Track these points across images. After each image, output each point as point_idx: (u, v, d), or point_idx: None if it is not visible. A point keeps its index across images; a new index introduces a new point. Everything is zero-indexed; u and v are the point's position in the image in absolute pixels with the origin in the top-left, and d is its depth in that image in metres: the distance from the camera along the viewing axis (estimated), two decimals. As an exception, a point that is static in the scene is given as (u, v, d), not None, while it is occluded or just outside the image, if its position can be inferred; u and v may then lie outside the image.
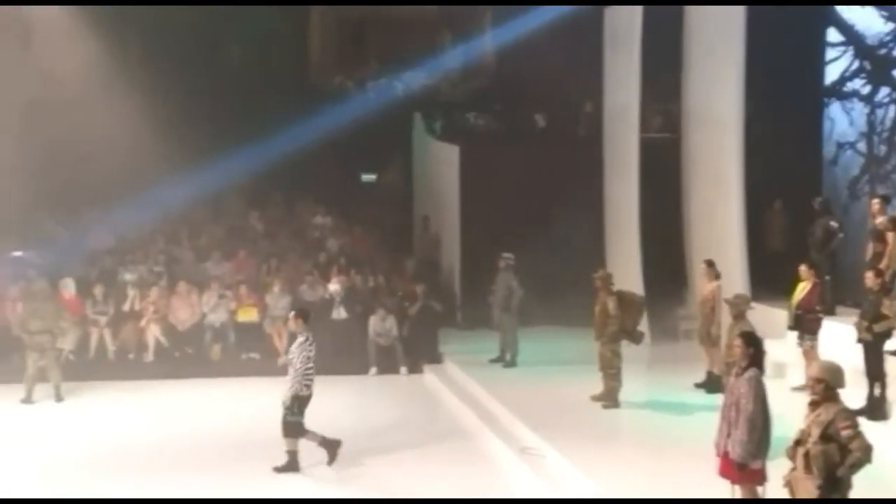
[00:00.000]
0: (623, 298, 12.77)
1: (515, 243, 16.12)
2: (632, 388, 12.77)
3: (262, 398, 14.31)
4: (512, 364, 15.42)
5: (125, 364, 15.79)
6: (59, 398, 13.96)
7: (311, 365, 10.42)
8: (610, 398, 12.54)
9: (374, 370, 16.08)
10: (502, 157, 18.95)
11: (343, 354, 16.30)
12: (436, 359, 16.40)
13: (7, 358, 15.03)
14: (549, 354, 15.81)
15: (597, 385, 12.69)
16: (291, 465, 10.52)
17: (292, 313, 11.20)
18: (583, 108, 19.89)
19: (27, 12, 18.89)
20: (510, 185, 18.55)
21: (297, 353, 10.46)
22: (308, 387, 10.46)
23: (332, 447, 10.76)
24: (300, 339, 10.57)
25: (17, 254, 17.40)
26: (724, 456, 7.61)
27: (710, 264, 13.72)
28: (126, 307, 16.11)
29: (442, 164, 19.99)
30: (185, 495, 9.68)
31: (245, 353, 16.36)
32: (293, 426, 10.49)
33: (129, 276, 16.88)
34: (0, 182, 18.66)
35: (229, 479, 10.34)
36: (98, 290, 16.06)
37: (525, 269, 15.80)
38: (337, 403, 14.06)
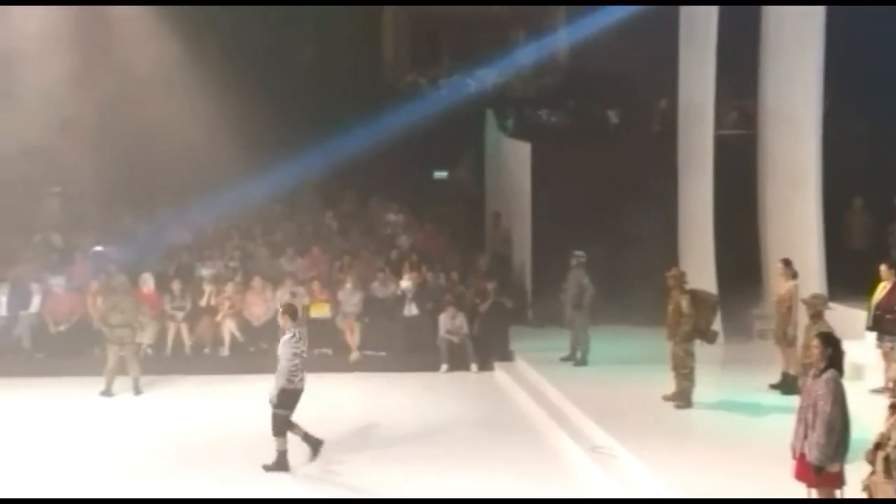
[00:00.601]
0: (696, 297, 12.62)
1: (587, 241, 16.03)
2: (705, 388, 12.63)
3: (333, 394, 14.52)
4: (583, 362, 15.34)
5: (201, 358, 16.05)
6: (137, 391, 14.27)
7: (296, 361, 10.50)
8: (682, 398, 12.42)
9: (444, 367, 16.13)
10: (574, 154, 18.86)
11: (414, 351, 16.43)
12: (507, 356, 16.38)
13: (88, 351, 15.40)
14: (621, 353, 15.71)
15: (669, 385, 12.57)
16: (280, 465, 10.49)
17: (280, 309, 11.35)
18: (657, 105, 19.70)
19: (107, 12, 19.32)
20: (582, 182, 18.44)
21: (283, 349, 10.55)
22: (293, 381, 10.51)
23: (314, 445, 10.75)
24: (287, 335, 10.64)
25: (98, 249, 17.80)
26: (801, 458, 7.49)
27: (787, 263, 13.49)
28: (202, 302, 16.37)
29: (513, 161, 19.96)
30: (258, 489, 9.82)
31: (317, 348, 16.51)
32: (280, 420, 10.54)
33: (205, 272, 17.14)
34: (81, 179, 19.20)
35: (302, 471, 10.44)
36: (175, 286, 16.35)
37: (597, 267, 15.70)
38: (408, 400, 14.19)
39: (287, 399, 10.53)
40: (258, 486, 10.04)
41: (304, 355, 10.70)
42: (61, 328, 15.84)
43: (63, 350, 15.74)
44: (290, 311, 10.90)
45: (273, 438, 10.54)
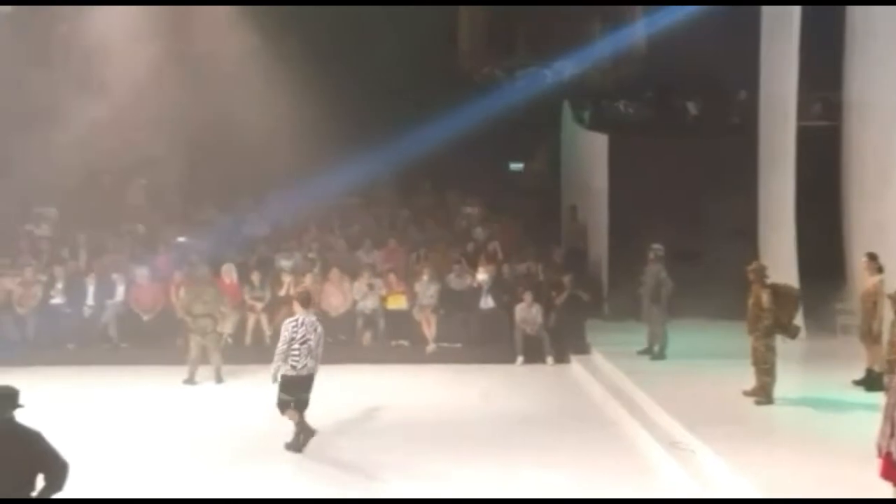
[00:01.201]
0: (778, 291, 12.41)
1: (665, 234, 15.88)
2: (786, 384, 12.43)
3: (410, 385, 14.64)
4: (660, 356, 15.21)
5: (280, 348, 16.25)
6: (219, 380, 14.54)
7: (295, 346, 10.67)
8: (763, 394, 12.24)
9: (520, 359, 16.14)
10: (652, 146, 18.70)
11: (490, 343, 16.48)
12: (583, 349, 16.33)
13: (171, 341, 15.74)
14: (699, 348, 15.54)
15: (749, 380, 12.39)
16: (295, 445, 10.86)
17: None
18: (737, 96, 19.41)
19: (189, 6, 19.65)
20: (660, 174, 18.28)
21: (282, 332, 10.83)
22: (295, 367, 10.70)
23: (307, 433, 10.91)
24: (288, 319, 10.97)
25: (182, 240, 18.16)
26: (887, 457, 7.34)
27: (873, 257, 13.20)
28: (282, 293, 16.60)
29: (590, 154, 19.84)
30: (328, 481, 9.93)
31: (394, 340, 16.67)
32: (280, 403, 10.87)
33: (284, 263, 17.38)
34: (164, 171, 19.62)
35: (377, 460, 10.55)
36: (255, 277, 16.61)
37: (674, 261, 15.55)
38: (482, 391, 14.22)
39: (288, 385, 10.78)
40: (334, 474, 10.14)
41: (310, 342, 10.73)
42: (146, 318, 16.21)
43: (147, 339, 16.12)
44: (301, 297, 11.23)
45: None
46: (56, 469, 6.55)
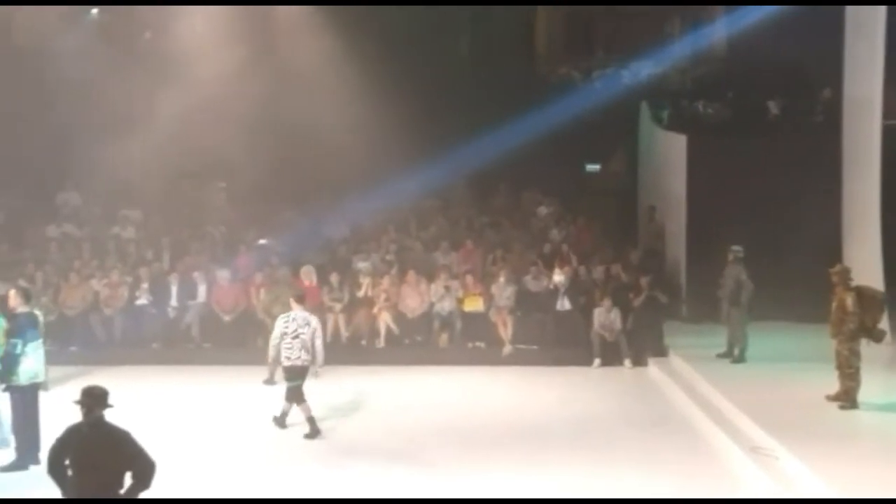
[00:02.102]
0: (862, 294, 12.17)
1: (744, 235, 15.67)
2: (871, 388, 12.16)
3: (486, 387, 14.66)
4: (741, 360, 14.99)
5: (358, 349, 16.43)
6: (298, 380, 14.71)
7: (288, 340, 11.85)
8: (847, 399, 12.00)
9: (597, 362, 16.06)
10: (732, 146, 18.43)
11: (566, 345, 16.42)
12: (661, 352, 16.18)
13: (252, 342, 15.98)
14: (781, 351, 15.29)
15: (832, 384, 12.17)
16: (313, 431, 11.73)
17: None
18: (820, 95, 19.03)
19: (268, 9, 19.92)
20: (740, 174, 18.01)
21: (275, 328, 12.10)
22: (289, 358, 11.87)
23: (313, 428, 11.77)
24: (281, 315, 12.20)
25: (263, 241, 18.42)
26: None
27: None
28: (360, 295, 16.74)
29: (668, 154, 19.64)
30: (407, 480, 10.00)
31: (471, 341, 16.70)
32: (291, 391, 11.95)
33: (362, 265, 17.54)
34: (245, 174, 19.91)
35: (445, 467, 10.58)
36: (333, 278, 16.79)
37: (755, 262, 15.32)
38: (560, 395, 14.19)
39: (290, 373, 11.93)
40: (414, 474, 10.21)
41: (302, 336, 11.82)
42: (226, 318, 16.50)
43: (229, 340, 16.40)
44: (295, 296, 12.45)
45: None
46: (144, 468, 6.72)
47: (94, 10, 21.07)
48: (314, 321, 12.07)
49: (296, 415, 12.06)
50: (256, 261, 17.52)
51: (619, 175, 21.92)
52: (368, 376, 15.12)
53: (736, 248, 15.22)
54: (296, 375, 11.88)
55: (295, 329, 11.83)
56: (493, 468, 10.47)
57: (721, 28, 21.07)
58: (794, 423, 11.21)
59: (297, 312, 11.99)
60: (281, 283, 15.48)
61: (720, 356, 15.16)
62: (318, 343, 11.97)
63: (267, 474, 10.33)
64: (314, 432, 11.74)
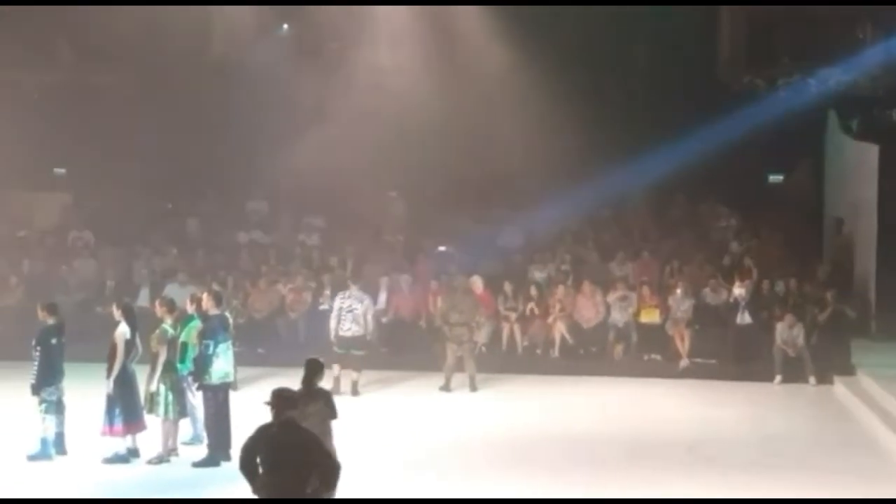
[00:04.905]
0: None
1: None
2: None
3: (662, 400, 14.43)
4: (936, 381, 14.24)
5: (533, 359, 16.50)
6: (473, 388, 14.90)
7: (344, 314, 14.44)
8: None
9: (779, 378, 15.59)
10: (927, 155, 17.53)
11: (746, 361, 16.03)
12: (848, 370, 15.55)
13: (429, 348, 16.25)
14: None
15: None
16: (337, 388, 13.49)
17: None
18: None
19: (448, 18, 20.16)
20: (937, 185, 17.13)
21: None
22: (342, 329, 14.34)
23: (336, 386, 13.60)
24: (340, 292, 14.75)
25: (442, 249, 18.71)
26: None
27: None
28: (531, 306, 16.75)
29: (858, 165, 18.87)
30: (581, 489, 9.93)
31: (647, 354, 16.50)
32: (332, 354, 13.91)
33: (538, 275, 17.59)
34: (423, 181, 20.31)
35: (614, 483, 10.45)
36: (508, 287, 16.89)
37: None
38: (739, 411, 13.86)
39: (339, 341, 14.40)
40: (589, 482, 10.15)
41: (355, 311, 14.39)
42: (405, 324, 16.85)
43: (407, 345, 16.73)
44: (344, 277, 15.88)
45: None
46: (330, 470, 6.95)
47: (285, 25, 21.92)
48: (367, 298, 14.64)
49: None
50: (434, 268, 17.81)
51: (804, 186, 21.16)
52: (543, 386, 15.14)
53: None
54: (344, 343, 14.24)
55: (350, 305, 14.34)
56: (673, 485, 10.22)
57: (918, 33, 20.01)
58: None
59: (354, 290, 14.52)
60: (458, 291, 15.70)
61: (914, 377, 14.44)
62: (370, 317, 14.56)
63: (435, 480, 10.42)
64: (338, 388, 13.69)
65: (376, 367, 16.14)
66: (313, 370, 8.49)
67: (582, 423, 13.09)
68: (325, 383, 13.16)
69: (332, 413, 8.26)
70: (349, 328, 14.27)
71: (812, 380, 15.49)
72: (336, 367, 14.12)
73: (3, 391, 13.15)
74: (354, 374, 14.40)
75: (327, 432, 7.96)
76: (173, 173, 21.02)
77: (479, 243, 18.54)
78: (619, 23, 20.71)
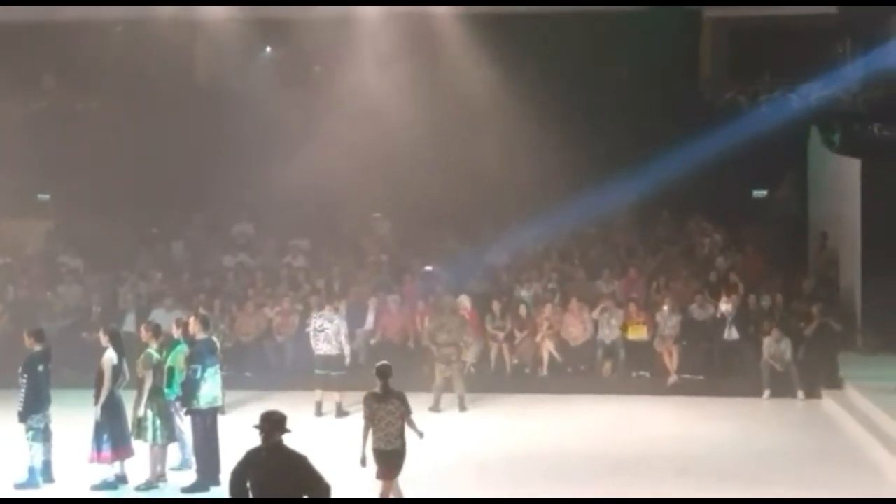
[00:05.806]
0: None
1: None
2: None
3: (650, 417, 14.44)
4: (923, 393, 14.29)
5: (521, 378, 16.47)
6: (462, 408, 14.87)
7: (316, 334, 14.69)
8: None
9: (767, 393, 15.63)
10: (910, 169, 17.64)
11: (734, 375, 16.06)
12: (835, 384, 15.61)
13: (417, 368, 16.20)
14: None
15: None
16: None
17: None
18: None
19: (433, 40, 20.22)
20: (918, 198, 17.24)
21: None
22: (316, 349, 14.65)
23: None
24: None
25: (429, 269, 18.70)
26: None
27: None
28: (521, 323, 16.75)
29: (841, 179, 18.98)
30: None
31: (635, 371, 16.50)
32: (316, 377, 14.54)
33: (524, 293, 17.58)
34: (408, 201, 20.31)
35: (611, 496, 10.44)
36: (496, 307, 16.88)
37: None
38: (729, 427, 13.86)
39: (315, 362, 14.67)
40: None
41: (327, 331, 14.46)
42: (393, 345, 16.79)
43: (395, 366, 16.61)
44: (314, 299, 16.05)
45: None
46: (320, 492, 6.93)
47: (269, 49, 21.98)
48: (337, 318, 14.62)
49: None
50: (422, 288, 17.79)
51: (788, 201, 21.26)
52: (531, 405, 15.13)
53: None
54: (321, 364, 14.45)
55: (321, 324, 14.53)
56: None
57: (896, 47, 20.17)
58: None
59: (326, 311, 14.75)
60: (445, 311, 15.69)
61: (900, 389, 14.48)
62: (343, 338, 14.54)
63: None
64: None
65: (364, 388, 16.07)
66: (384, 373, 9.68)
67: (571, 441, 13.09)
68: (308, 407, 13.87)
69: (408, 410, 9.56)
70: (321, 348, 14.55)
71: (800, 394, 15.54)
72: (318, 392, 14.45)
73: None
74: (337, 396, 14.41)
75: (403, 428, 9.37)
76: (158, 198, 20.99)
77: (466, 262, 18.54)
78: (602, 42, 20.85)
